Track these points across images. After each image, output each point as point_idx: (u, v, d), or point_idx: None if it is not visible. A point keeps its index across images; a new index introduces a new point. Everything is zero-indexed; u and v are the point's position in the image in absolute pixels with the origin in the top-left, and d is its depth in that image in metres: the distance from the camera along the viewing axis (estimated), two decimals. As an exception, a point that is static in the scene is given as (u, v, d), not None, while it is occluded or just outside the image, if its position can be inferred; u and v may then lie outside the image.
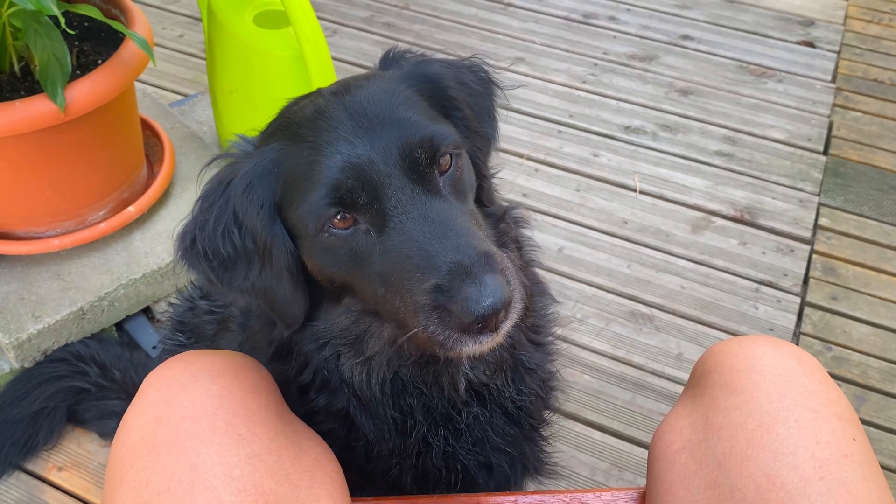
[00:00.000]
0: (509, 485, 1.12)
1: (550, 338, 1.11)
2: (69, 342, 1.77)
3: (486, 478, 1.07)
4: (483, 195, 0.98)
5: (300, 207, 0.84)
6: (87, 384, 1.69)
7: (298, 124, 0.88)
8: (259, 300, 0.91)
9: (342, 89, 0.90)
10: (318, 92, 0.92)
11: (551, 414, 1.17)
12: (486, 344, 0.79)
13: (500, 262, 0.78)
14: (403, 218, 0.81)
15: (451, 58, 1.02)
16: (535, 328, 1.07)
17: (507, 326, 0.79)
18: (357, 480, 0.99)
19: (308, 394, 0.98)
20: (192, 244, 0.89)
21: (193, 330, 1.37)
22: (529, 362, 1.04)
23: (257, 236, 0.87)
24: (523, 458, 1.11)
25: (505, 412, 1.04)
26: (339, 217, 0.82)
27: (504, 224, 1.01)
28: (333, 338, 0.94)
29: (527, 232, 1.08)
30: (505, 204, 1.06)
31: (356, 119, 0.84)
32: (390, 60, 0.99)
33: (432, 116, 0.88)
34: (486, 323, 0.75)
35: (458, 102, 0.95)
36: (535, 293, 1.08)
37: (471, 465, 1.04)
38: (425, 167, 0.83)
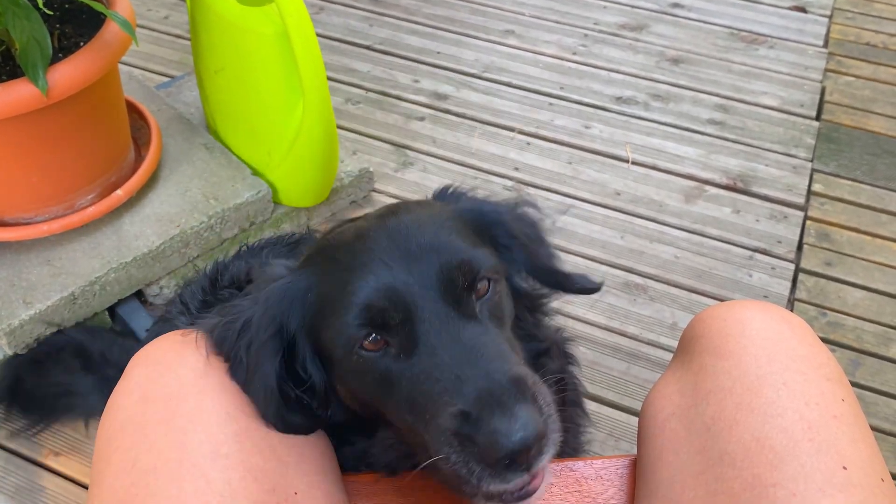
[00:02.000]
0: None
1: None
2: (62, 328, 1.77)
3: None
4: (536, 308, 0.96)
5: (331, 329, 0.81)
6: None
7: (336, 247, 0.86)
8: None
9: (387, 213, 0.87)
10: (364, 216, 0.90)
11: None
12: (515, 482, 0.71)
13: (533, 388, 0.73)
14: (435, 341, 0.77)
15: (504, 201, 0.99)
16: None
17: (541, 464, 0.71)
18: None
19: None
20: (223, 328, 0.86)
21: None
22: None
23: (250, 356, 0.83)
24: None
25: None
26: (370, 339, 0.79)
27: (547, 358, 0.97)
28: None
29: (575, 369, 1.03)
30: (554, 330, 1.02)
31: (396, 242, 0.82)
32: (447, 195, 0.96)
33: (475, 242, 0.85)
34: (515, 459, 0.69)
35: (504, 234, 0.93)
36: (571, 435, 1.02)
37: None
38: (462, 290, 0.80)
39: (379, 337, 0.79)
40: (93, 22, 1.75)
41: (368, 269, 0.80)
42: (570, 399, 1.01)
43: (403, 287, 0.78)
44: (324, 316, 0.83)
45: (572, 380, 1.04)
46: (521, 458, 0.69)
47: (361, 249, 0.82)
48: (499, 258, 0.90)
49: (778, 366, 0.79)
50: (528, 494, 0.75)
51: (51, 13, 1.70)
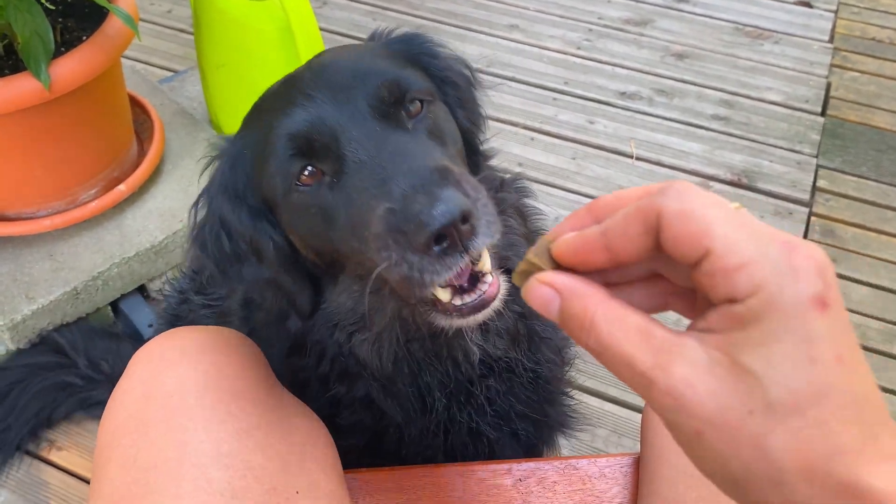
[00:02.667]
0: (538, 448, 1.11)
1: None
2: (64, 322, 1.76)
3: (513, 445, 1.05)
4: (473, 166, 0.95)
5: (268, 173, 0.82)
6: (75, 377, 1.68)
7: (262, 101, 0.87)
8: (272, 293, 0.90)
9: (313, 58, 0.88)
10: (293, 72, 0.90)
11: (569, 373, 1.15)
12: (455, 266, 0.69)
13: (459, 177, 0.71)
14: (362, 155, 0.76)
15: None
16: None
17: (477, 246, 0.70)
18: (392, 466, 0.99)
19: (328, 385, 0.96)
20: (202, 247, 0.90)
21: (190, 324, 1.35)
22: (544, 331, 1.01)
23: (243, 236, 0.86)
24: (548, 419, 1.09)
25: (523, 382, 1.02)
26: (305, 173, 0.79)
27: (504, 192, 0.98)
28: (342, 319, 0.91)
29: (530, 201, 1.04)
30: (505, 175, 1.03)
31: (320, 77, 0.82)
32: (378, 34, 0.96)
33: (404, 66, 0.85)
34: (446, 239, 0.67)
35: (448, 73, 0.92)
36: None
37: (496, 437, 1.02)
38: (390, 106, 0.80)
39: (312, 168, 0.79)
40: (95, 16, 1.74)
41: (292, 105, 0.81)
42: (532, 227, 1.01)
43: (329, 113, 0.79)
44: (260, 164, 0.84)
45: (533, 211, 1.03)
46: (451, 238, 0.67)
47: (285, 93, 0.83)
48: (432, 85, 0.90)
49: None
50: (485, 304, 0.76)
51: (53, 7, 1.70)
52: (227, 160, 0.88)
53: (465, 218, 0.67)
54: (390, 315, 0.89)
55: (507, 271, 0.80)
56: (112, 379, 1.64)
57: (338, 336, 0.92)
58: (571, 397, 1.16)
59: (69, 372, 1.67)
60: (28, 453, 1.68)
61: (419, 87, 0.83)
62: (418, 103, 0.82)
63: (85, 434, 1.71)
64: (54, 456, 1.68)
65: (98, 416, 1.63)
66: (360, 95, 0.80)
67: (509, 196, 0.99)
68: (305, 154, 0.79)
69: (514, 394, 1.01)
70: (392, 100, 0.80)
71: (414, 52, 0.92)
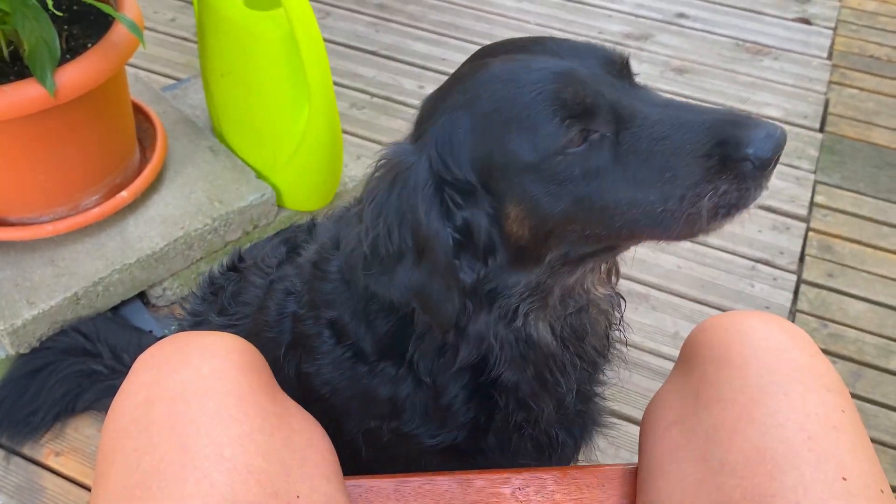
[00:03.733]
0: (579, 447, 1.16)
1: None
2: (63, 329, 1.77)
3: (569, 438, 1.10)
4: None
5: (521, 140, 0.77)
6: (99, 366, 1.69)
7: (464, 78, 0.83)
8: (413, 300, 0.88)
9: (516, 45, 0.87)
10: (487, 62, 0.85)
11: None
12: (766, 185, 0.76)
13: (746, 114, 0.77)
14: (639, 108, 0.77)
15: None
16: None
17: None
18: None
19: (480, 374, 0.96)
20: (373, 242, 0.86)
21: None
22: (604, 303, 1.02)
23: (418, 229, 0.82)
24: (590, 415, 1.13)
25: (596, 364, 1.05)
26: (574, 131, 0.76)
27: None
28: (523, 301, 0.89)
29: None
30: None
31: (543, 47, 0.82)
32: None
33: None
34: (772, 164, 0.74)
35: None
36: None
37: (566, 435, 1.07)
38: (626, 73, 0.82)
39: (579, 127, 0.76)
40: (101, 23, 1.76)
41: (533, 63, 0.78)
42: None
43: (579, 72, 0.78)
44: (501, 134, 0.78)
45: None
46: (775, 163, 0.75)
47: (510, 57, 0.81)
48: None
49: (779, 376, 0.80)
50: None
51: (60, 14, 1.71)
52: (434, 146, 0.83)
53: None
54: (560, 290, 0.90)
55: None
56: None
57: (518, 322, 0.90)
58: (604, 397, 1.18)
59: (95, 360, 1.69)
60: (26, 458, 1.69)
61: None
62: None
63: (84, 440, 1.71)
64: (53, 462, 1.68)
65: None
66: (597, 60, 0.80)
67: None
68: (575, 116, 0.76)
69: (592, 377, 1.05)
70: (625, 69, 0.82)
71: None
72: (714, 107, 0.78)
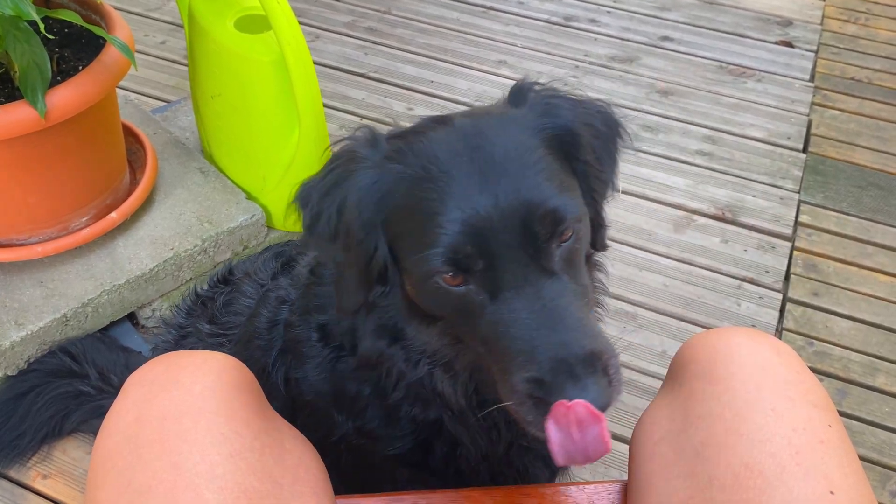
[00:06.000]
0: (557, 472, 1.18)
1: None
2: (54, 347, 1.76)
3: (545, 471, 1.12)
4: (597, 242, 1.00)
5: (413, 254, 0.85)
6: (87, 387, 1.68)
7: (428, 158, 0.87)
8: (336, 273, 0.96)
9: (475, 132, 0.88)
10: (454, 126, 0.90)
11: None
12: None
13: (606, 362, 0.78)
14: (515, 295, 0.81)
15: (579, 97, 1.01)
16: None
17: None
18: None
19: (386, 398, 1.03)
20: (304, 204, 0.96)
21: None
22: None
23: (350, 234, 0.90)
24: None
25: None
26: (450, 275, 0.83)
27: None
28: (427, 357, 0.97)
29: (601, 275, 1.08)
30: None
31: (485, 174, 0.84)
32: (517, 96, 0.97)
33: (561, 181, 0.87)
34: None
35: (583, 151, 0.95)
36: None
37: (533, 460, 1.09)
38: (544, 241, 0.83)
39: (460, 275, 0.83)
40: (92, 46, 1.77)
41: (456, 201, 0.82)
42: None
43: (489, 232, 0.81)
44: (407, 233, 0.87)
45: (601, 287, 1.08)
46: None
47: (449, 177, 0.84)
48: (577, 171, 0.94)
49: (766, 392, 0.81)
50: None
51: (51, 37, 1.72)
52: (374, 185, 0.89)
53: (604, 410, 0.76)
54: (470, 365, 0.94)
55: None
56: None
57: (420, 371, 0.97)
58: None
59: (82, 381, 1.68)
60: (13, 481, 1.67)
61: (574, 215, 0.85)
62: (570, 231, 0.85)
63: (71, 462, 1.70)
64: (40, 485, 1.67)
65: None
66: (519, 217, 0.82)
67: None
68: (458, 267, 0.82)
69: None
70: (548, 235, 0.83)
71: (562, 134, 0.93)
72: (578, 340, 0.79)
